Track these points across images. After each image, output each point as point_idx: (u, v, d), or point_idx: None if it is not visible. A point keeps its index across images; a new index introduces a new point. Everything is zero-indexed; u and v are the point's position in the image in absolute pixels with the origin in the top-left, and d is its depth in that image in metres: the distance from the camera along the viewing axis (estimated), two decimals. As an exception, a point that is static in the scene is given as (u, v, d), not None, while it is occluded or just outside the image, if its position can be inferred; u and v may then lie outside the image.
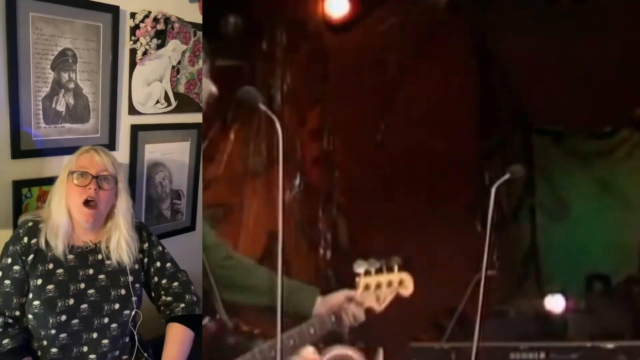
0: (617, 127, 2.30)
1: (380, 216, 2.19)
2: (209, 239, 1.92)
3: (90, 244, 2.01)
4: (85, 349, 1.95)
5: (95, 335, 1.96)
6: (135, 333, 2.07)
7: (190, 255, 2.76)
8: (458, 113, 2.20)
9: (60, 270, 1.94)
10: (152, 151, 2.69)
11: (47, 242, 1.92)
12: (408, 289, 1.90)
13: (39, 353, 1.94)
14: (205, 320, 1.89)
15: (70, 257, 1.96)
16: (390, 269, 1.87)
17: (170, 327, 2.07)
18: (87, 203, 1.91)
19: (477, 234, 2.07)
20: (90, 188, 1.90)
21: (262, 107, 1.68)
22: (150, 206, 2.78)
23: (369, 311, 1.88)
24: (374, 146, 2.23)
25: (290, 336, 1.77)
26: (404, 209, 2.19)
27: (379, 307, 1.88)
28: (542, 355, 2.06)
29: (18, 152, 2.19)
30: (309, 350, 1.87)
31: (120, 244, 2.01)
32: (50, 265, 1.93)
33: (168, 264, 2.16)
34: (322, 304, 1.87)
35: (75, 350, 1.94)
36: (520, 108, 2.29)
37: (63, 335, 1.91)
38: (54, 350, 1.92)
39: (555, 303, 2.21)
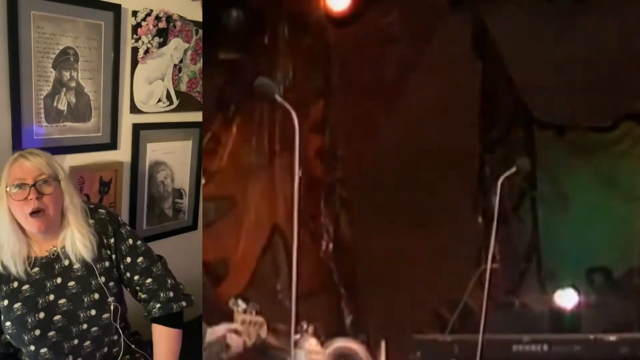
0: (618, 121, 2.30)
1: (381, 208, 2.20)
2: None
3: (54, 249, 1.90)
4: (70, 358, 1.90)
5: (76, 341, 1.90)
6: (119, 328, 1.98)
7: (192, 254, 2.78)
8: (460, 106, 2.21)
9: (25, 287, 1.85)
10: (154, 150, 2.70)
11: (3, 266, 1.83)
12: (264, 331, 2.02)
13: None
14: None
15: (35, 270, 1.87)
16: (250, 312, 1.95)
17: (153, 328, 2.00)
18: (33, 214, 1.79)
19: (478, 227, 2.07)
20: (31, 199, 1.77)
21: (279, 98, 1.68)
22: (151, 205, 2.78)
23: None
24: (376, 139, 2.23)
25: None
26: (405, 202, 2.19)
27: (248, 341, 1.95)
28: (545, 347, 2.07)
29: (20, 150, 2.18)
30: (312, 343, 1.88)
31: (74, 240, 1.88)
32: (15, 284, 1.85)
33: (140, 259, 2.01)
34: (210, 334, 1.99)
35: None
36: (522, 101, 2.30)
37: (43, 350, 1.85)
38: None
39: (556, 296, 2.21)
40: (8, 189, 1.78)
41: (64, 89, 2.28)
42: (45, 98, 2.23)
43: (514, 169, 1.90)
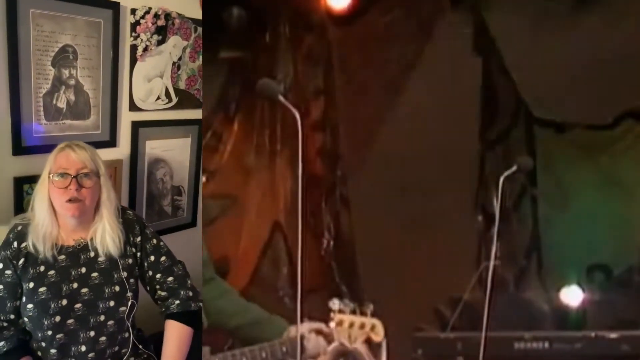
0: (619, 118, 2.31)
1: (382, 207, 2.20)
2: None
3: (82, 241, 1.98)
4: (83, 348, 1.94)
5: (92, 333, 1.95)
6: (129, 327, 2.03)
7: (191, 251, 2.77)
8: (460, 105, 2.21)
9: (51, 272, 1.91)
10: (153, 147, 2.69)
11: (34, 246, 1.90)
12: (379, 335, 1.90)
13: (39, 353, 1.94)
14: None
15: (62, 257, 1.94)
16: (363, 313, 1.92)
17: (167, 324, 2.06)
18: (69, 201, 1.88)
19: (478, 225, 2.08)
20: (71, 188, 1.87)
21: (282, 99, 1.68)
22: (151, 202, 2.78)
23: (339, 347, 1.91)
24: (377, 138, 2.23)
25: (262, 348, 1.84)
26: (405, 200, 2.19)
27: (349, 345, 1.90)
28: (546, 344, 2.07)
29: (19, 148, 2.19)
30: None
31: (104, 236, 1.97)
32: (42, 268, 1.91)
33: (163, 258, 2.11)
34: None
35: (73, 350, 1.93)
36: (522, 99, 2.30)
37: (60, 335, 1.90)
38: (52, 350, 1.91)
39: (562, 293, 2.22)
40: (51, 176, 1.88)
41: (63, 87, 2.27)
42: (44, 96, 2.22)
43: (514, 168, 1.90)
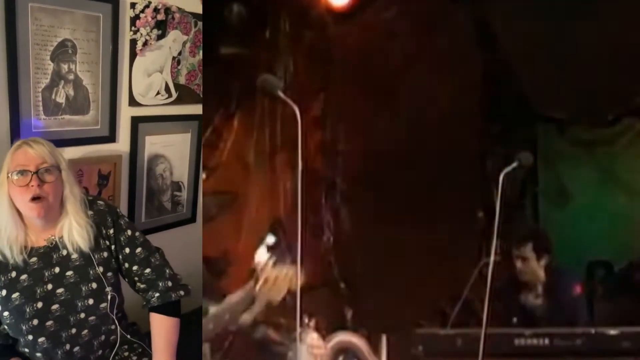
0: (619, 116, 2.31)
1: (382, 203, 2.19)
2: None
3: (53, 239, 1.91)
4: (67, 346, 1.91)
5: (73, 330, 1.90)
6: (115, 319, 1.99)
7: (190, 246, 2.77)
8: (461, 101, 2.20)
9: (23, 276, 1.85)
10: (153, 143, 2.68)
11: (2, 253, 1.83)
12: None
13: (28, 356, 1.91)
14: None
15: (33, 259, 1.88)
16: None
17: (152, 318, 2.01)
18: (33, 200, 1.80)
19: (479, 221, 2.07)
20: (32, 185, 1.79)
21: (281, 94, 1.68)
22: (150, 198, 2.77)
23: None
24: (377, 134, 2.22)
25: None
26: (405, 196, 2.19)
27: (278, 297, 1.97)
28: (547, 341, 2.07)
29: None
30: (313, 337, 1.89)
31: (72, 230, 1.89)
32: (13, 274, 1.85)
33: (138, 250, 2.03)
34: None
35: (59, 352, 1.90)
36: (524, 96, 2.29)
37: (41, 339, 1.86)
38: (38, 354, 1.89)
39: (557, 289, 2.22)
40: (10, 175, 1.80)
41: (62, 82, 2.26)
42: (43, 91, 2.21)
43: (515, 164, 1.90)
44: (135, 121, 2.57)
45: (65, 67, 2.25)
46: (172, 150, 2.80)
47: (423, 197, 2.20)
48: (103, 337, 1.99)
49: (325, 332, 1.94)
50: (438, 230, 2.17)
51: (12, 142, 2.15)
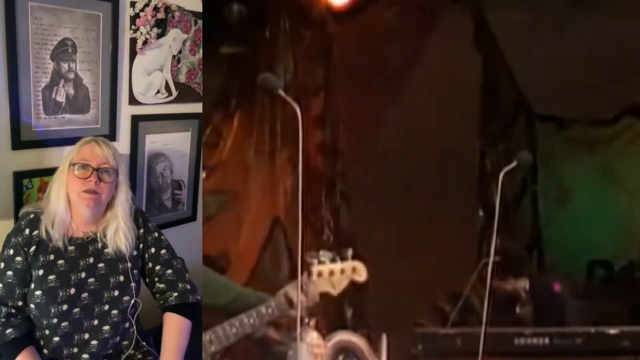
0: (619, 115, 2.30)
1: (382, 202, 2.19)
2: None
3: (91, 234, 2.02)
4: (86, 336, 1.98)
5: (96, 322, 1.99)
6: (133, 321, 2.08)
7: (191, 245, 2.76)
8: (460, 100, 2.20)
9: (61, 261, 1.95)
10: (153, 141, 2.69)
11: (47, 233, 1.93)
12: (361, 275, 1.98)
13: (42, 342, 1.96)
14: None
15: (71, 248, 1.97)
16: (343, 259, 1.96)
17: (166, 317, 2.08)
18: (86, 191, 1.92)
19: (478, 220, 2.07)
20: (90, 180, 1.91)
21: (282, 93, 1.68)
22: (151, 196, 2.77)
23: (325, 295, 1.96)
24: (377, 133, 2.22)
25: (249, 315, 1.90)
26: (405, 195, 2.19)
27: (334, 292, 1.96)
28: (546, 340, 2.08)
29: (18, 143, 2.18)
30: (313, 336, 1.90)
31: (118, 233, 2.01)
32: (52, 256, 1.94)
33: (163, 251, 2.15)
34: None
35: (76, 338, 1.96)
36: (523, 95, 2.29)
37: (65, 323, 1.93)
38: (56, 339, 1.94)
39: (557, 289, 2.22)
40: (72, 166, 1.92)
41: (62, 81, 2.26)
42: (43, 90, 2.21)
43: (515, 163, 1.90)
44: (136, 120, 2.57)
45: (65, 66, 2.25)
46: (173, 149, 2.80)
47: (423, 197, 2.19)
48: (118, 338, 2.06)
49: (325, 331, 1.95)
50: (438, 229, 2.17)
51: (12, 142, 2.17)
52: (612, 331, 2.08)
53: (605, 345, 2.06)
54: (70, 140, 2.32)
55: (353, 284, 1.97)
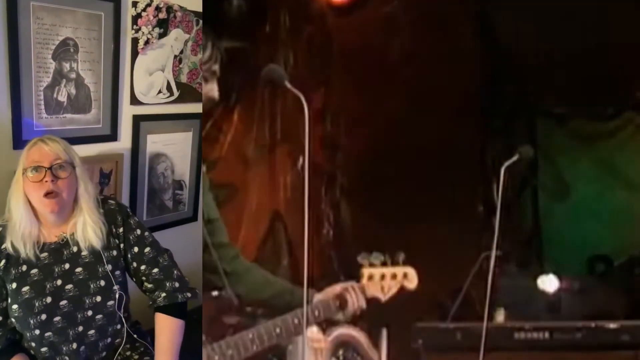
0: (619, 110, 2.31)
1: (382, 196, 2.20)
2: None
3: (64, 236, 1.94)
4: (74, 345, 1.92)
5: (80, 328, 1.92)
6: (122, 317, 2.02)
7: (192, 245, 2.77)
8: (461, 95, 2.20)
9: (34, 271, 1.89)
10: (154, 141, 2.69)
11: (13, 246, 1.86)
12: (412, 282, 1.93)
13: (32, 352, 1.93)
14: (211, 294, 1.89)
15: (44, 254, 1.91)
16: (395, 263, 1.90)
17: (157, 318, 2.03)
18: (47, 195, 1.84)
19: (479, 215, 2.07)
20: (47, 181, 1.82)
21: (288, 85, 1.67)
22: (152, 197, 2.78)
23: (372, 300, 1.90)
24: (377, 128, 2.22)
25: (295, 315, 1.80)
26: (406, 190, 2.19)
27: (383, 297, 1.91)
28: (547, 335, 2.07)
29: (20, 142, 2.18)
30: (313, 330, 1.88)
31: (86, 228, 1.93)
32: (24, 267, 1.88)
33: (147, 249, 2.06)
34: (323, 295, 1.90)
35: (65, 348, 1.91)
36: (524, 90, 2.29)
37: (48, 334, 1.88)
38: (43, 349, 1.90)
39: (557, 284, 2.22)
40: (25, 172, 1.84)
41: (64, 80, 2.28)
42: (45, 89, 2.22)
43: (516, 157, 1.90)
44: (137, 120, 2.58)
45: (67, 65, 2.26)
46: (174, 149, 2.81)
47: (424, 191, 2.20)
48: (109, 340, 2.01)
49: (325, 325, 1.94)
50: (439, 224, 2.17)
51: (14, 141, 2.17)
52: (612, 325, 2.08)
53: (605, 340, 2.06)
54: (72, 140, 2.31)
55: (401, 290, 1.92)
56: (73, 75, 2.30)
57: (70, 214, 1.95)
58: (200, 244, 2.28)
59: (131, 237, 2.05)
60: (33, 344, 1.91)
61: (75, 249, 1.95)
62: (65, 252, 1.94)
